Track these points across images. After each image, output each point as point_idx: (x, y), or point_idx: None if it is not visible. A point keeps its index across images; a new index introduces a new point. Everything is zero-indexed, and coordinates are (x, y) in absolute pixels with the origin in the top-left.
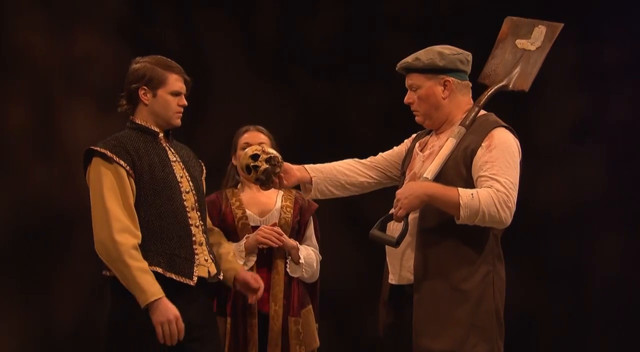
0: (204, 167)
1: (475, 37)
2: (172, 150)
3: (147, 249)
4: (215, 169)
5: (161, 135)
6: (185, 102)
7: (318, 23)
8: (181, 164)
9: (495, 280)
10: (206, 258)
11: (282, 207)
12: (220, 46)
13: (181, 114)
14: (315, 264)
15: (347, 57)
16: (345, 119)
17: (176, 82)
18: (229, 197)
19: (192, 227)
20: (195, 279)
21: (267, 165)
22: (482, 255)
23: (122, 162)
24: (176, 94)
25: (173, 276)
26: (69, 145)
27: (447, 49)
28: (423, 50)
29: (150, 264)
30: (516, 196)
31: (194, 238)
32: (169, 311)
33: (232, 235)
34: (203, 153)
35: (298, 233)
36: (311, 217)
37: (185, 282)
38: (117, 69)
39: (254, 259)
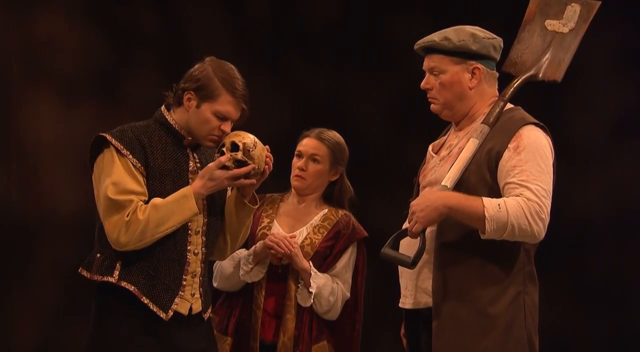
0: None
1: (498, 18)
2: (197, 159)
3: (128, 263)
4: None
5: (186, 141)
6: (226, 130)
7: (318, 3)
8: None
9: (527, 303)
10: (194, 292)
11: (315, 227)
12: (206, 29)
13: (217, 140)
14: (332, 299)
15: (352, 42)
16: (350, 113)
17: (227, 104)
18: (266, 201)
19: (188, 254)
20: (170, 313)
21: (233, 166)
22: (512, 274)
23: (135, 161)
24: (221, 117)
25: (149, 304)
26: (29, 144)
27: (480, 32)
28: (451, 29)
29: (126, 279)
30: (550, 205)
31: (187, 266)
32: (209, 181)
33: (250, 244)
34: None
35: (326, 259)
36: (353, 248)
37: (156, 312)
38: (84, 55)
39: (262, 270)
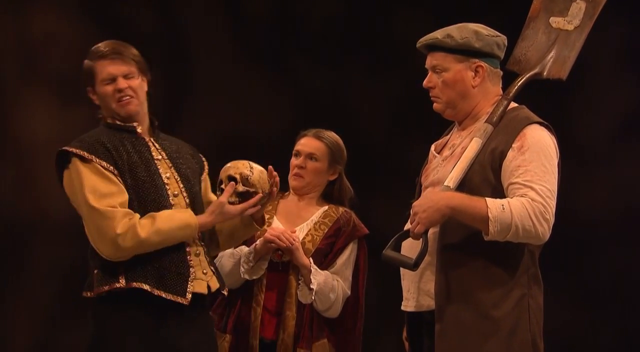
0: (205, 164)
1: (501, 15)
2: (157, 146)
3: (132, 264)
4: None
5: (140, 129)
6: (121, 85)
7: (319, 1)
8: (168, 161)
9: (531, 305)
10: (205, 270)
11: (315, 223)
12: (204, 28)
13: (127, 99)
14: (332, 296)
15: (353, 40)
16: (352, 113)
17: (103, 68)
18: None
19: None
20: (189, 296)
21: (237, 199)
22: (516, 276)
23: (103, 163)
24: (108, 81)
25: (162, 294)
26: (25, 144)
27: (483, 29)
28: (454, 26)
29: (135, 280)
30: (554, 205)
31: (187, 248)
32: (219, 216)
33: (249, 241)
34: None
35: (326, 257)
36: (354, 245)
37: (176, 300)
38: (81, 54)
39: (263, 267)
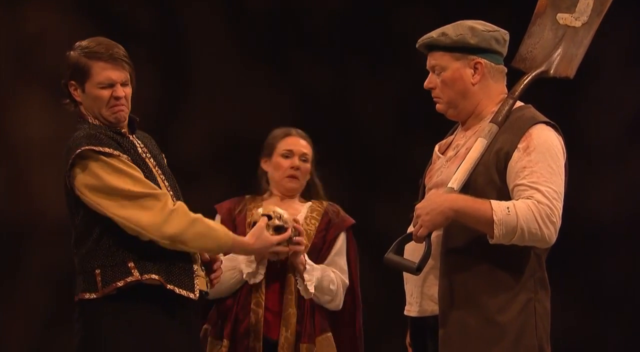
0: (164, 159)
1: (508, 11)
2: (140, 144)
3: (140, 259)
4: (195, 169)
5: (124, 130)
6: (120, 93)
7: None
8: (152, 160)
9: (538, 310)
10: (202, 267)
11: (305, 218)
12: (202, 24)
13: (122, 107)
14: (333, 288)
15: (357, 38)
16: (354, 113)
17: (102, 71)
18: (248, 202)
19: None
20: (197, 292)
21: (273, 233)
22: (522, 280)
23: (126, 157)
24: (106, 85)
25: (175, 289)
26: (19, 143)
27: (480, 25)
28: (451, 24)
29: (147, 272)
30: (561, 207)
31: None
32: (258, 240)
33: None
34: (180, 152)
35: (321, 250)
36: (343, 235)
37: (187, 295)
38: None
39: (262, 270)
